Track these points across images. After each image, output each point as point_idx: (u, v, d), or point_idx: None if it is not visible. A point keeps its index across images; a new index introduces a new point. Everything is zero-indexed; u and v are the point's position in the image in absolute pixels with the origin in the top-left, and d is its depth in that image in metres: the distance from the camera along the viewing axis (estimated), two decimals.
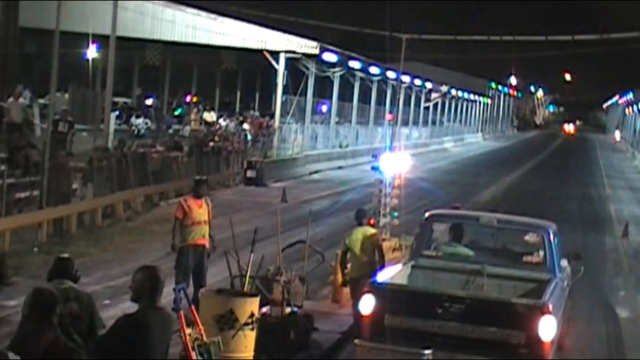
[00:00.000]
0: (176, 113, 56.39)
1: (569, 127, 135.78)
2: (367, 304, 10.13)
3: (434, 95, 63.63)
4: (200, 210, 12.99)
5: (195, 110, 45.99)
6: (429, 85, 62.48)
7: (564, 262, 12.15)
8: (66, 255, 8.18)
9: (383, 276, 10.96)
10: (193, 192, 13.46)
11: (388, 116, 52.93)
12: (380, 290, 10.25)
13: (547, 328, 9.67)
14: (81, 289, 7.86)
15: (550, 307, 9.85)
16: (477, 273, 11.27)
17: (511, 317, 9.76)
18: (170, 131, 41.55)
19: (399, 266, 11.79)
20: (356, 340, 10.29)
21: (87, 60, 32.72)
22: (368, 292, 10.23)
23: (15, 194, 18.05)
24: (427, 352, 9.79)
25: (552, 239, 11.55)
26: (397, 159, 16.86)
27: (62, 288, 7.41)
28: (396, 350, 9.91)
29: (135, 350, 6.27)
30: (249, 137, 37.31)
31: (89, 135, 29.32)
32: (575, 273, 12.30)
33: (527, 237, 12.20)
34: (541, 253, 11.61)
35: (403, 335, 9.91)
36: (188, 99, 57.98)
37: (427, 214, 12.45)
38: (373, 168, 17.02)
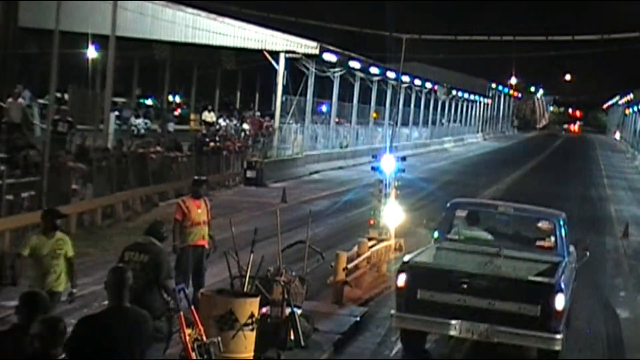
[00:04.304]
0: (176, 113, 56.52)
1: (574, 127, 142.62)
2: (401, 280, 11.56)
3: (437, 88, 63.65)
4: (199, 210, 12.95)
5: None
6: (428, 85, 62.48)
7: (571, 248, 13.33)
8: (159, 219, 10.64)
9: (414, 257, 12.21)
10: (192, 193, 13.42)
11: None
12: (412, 269, 11.64)
13: (559, 302, 11.07)
14: (158, 245, 9.75)
15: (562, 285, 11.31)
16: (495, 255, 12.63)
17: (527, 293, 11.21)
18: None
19: (425, 248, 13.06)
20: (392, 311, 11.75)
21: (87, 60, 32.71)
22: (402, 271, 11.65)
23: (8, 196, 17.99)
24: (454, 322, 11.25)
25: (562, 226, 12.97)
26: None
27: (143, 242, 9.74)
28: (427, 320, 11.42)
29: (99, 351, 6.18)
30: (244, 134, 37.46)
31: (88, 135, 29.25)
32: (580, 258, 13.56)
33: (539, 224, 13.47)
34: (552, 238, 12.96)
35: (433, 307, 11.35)
36: (176, 98, 58.23)
37: (450, 202, 14.06)
38: (373, 168, 17.01)
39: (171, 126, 42.03)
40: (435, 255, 12.86)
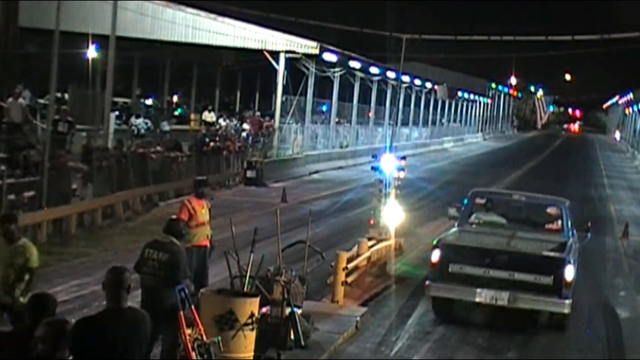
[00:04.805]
0: (176, 113, 56.51)
1: (574, 127, 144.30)
2: (435, 255, 13.65)
3: (438, 88, 63.77)
4: (203, 211, 12.94)
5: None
6: (428, 85, 62.48)
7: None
8: (175, 217, 10.74)
9: (443, 237, 14.49)
10: (196, 193, 13.29)
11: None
12: (445, 247, 13.81)
13: (569, 273, 13.22)
14: (177, 244, 9.83)
15: (571, 259, 13.47)
16: (510, 236, 14.71)
17: (542, 266, 13.41)
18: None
19: (451, 231, 15.29)
20: (427, 282, 13.85)
21: (87, 60, 32.70)
22: (436, 247, 13.73)
23: (9, 195, 18.01)
24: (479, 290, 13.32)
25: (567, 212, 15.24)
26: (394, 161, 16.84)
27: (163, 241, 9.80)
28: (458, 288, 13.48)
29: (97, 352, 6.14)
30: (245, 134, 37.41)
31: (94, 136, 29.25)
32: (582, 239, 15.45)
33: (548, 210, 15.60)
34: (559, 222, 15.09)
35: (463, 278, 13.49)
36: (174, 98, 58.19)
37: (471, 191, 16.29)
38: (373, 168, 17.02)
39: (165, 125, 41.81)
40: (459, 236, 14.86)
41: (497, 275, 13.34)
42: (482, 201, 15.99)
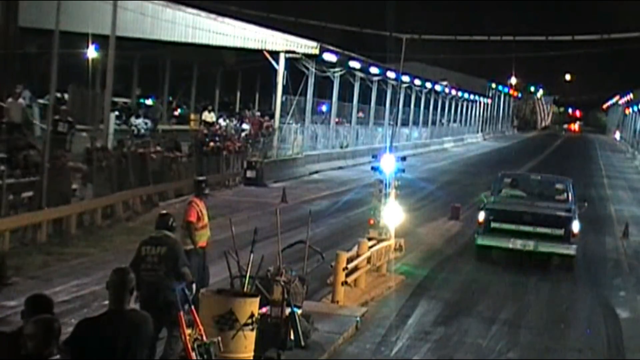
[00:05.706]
0: (176, 113, 56.48)
1: (575, 126, 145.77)
2: (481, 216, 19.19)
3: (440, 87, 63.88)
4: (206, 212, 12.93)
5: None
6: (428, 85, 62.45)
7: None
8: (165, 212, 10.87)
9: (486, 204, 19.59)
10: (199, 194, 13.21)
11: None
12: (488, 210, 19.25)
13: (575, 227, 18.79)
14: (172, 236, 10.25)
15: (576, 218, 18.99)
16: (531, 204, 19.54)
17: (556, 222, 18.77)
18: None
19: (487, 202, 19.91)
20: (476, 235, 19.37)
21: (87, 60, 32.67)
22: (481, 209, 19.41)
23: (9, 196, 17.99)
24: (512, 239, 18.72)
25: (571, 187, 20.40)
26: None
27: (158, 236, 10.11)
28: (497, 238, 18.91)
29: (97, 353, 6.13)
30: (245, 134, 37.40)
31: (88, 135, 29.25)
32: (581, 207, 20.16)
33: (556, 186, 20.92)
34: (565, 194, 20.27)
35: (500, 231, 18.90)
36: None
37: (500, 173, 21.85)
38: (373, 168, 17.02)
39: (134, 121, 41.21)
40: (496, 204, 19.66)
41: (525, 229, 18.71)
42: (509, 180, 21.23)
